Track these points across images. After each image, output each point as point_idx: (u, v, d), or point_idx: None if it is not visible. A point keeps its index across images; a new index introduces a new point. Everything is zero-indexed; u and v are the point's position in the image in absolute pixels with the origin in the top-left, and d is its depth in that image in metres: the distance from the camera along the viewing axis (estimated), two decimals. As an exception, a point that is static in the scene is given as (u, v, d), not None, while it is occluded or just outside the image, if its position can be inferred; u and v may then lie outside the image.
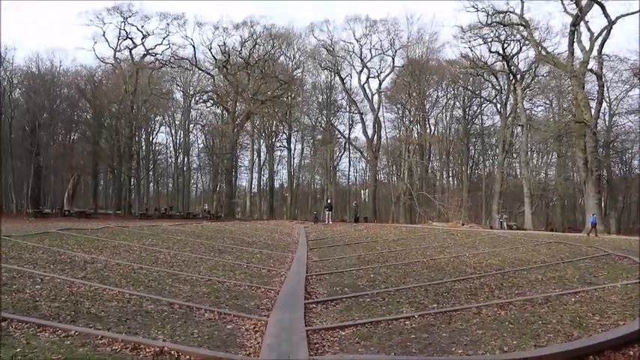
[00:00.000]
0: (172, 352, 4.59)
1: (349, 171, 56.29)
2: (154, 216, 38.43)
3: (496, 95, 45.09)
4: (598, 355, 4.81)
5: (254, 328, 5.73)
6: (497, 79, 43.07)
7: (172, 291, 7.65)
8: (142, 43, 44.33)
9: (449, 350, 4.91)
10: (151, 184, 56.11)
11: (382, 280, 9.02)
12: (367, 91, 48.93)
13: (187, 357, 4.53)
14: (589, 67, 31.93)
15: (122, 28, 43.04)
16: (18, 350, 4.50)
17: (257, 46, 46.63)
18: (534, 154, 46.10)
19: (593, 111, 31.87)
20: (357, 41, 47.55)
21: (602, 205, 36.73)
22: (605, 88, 36.20)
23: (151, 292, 7.36)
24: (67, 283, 7.67)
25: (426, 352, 4.83)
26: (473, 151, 51.46)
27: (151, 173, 53.41)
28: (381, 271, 10.02)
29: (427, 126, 49.50)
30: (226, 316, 6.22)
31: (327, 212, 32.28)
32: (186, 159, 54.80)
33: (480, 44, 39.18)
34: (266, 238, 17.59)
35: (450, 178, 54.47)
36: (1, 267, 8.33)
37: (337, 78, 49.90)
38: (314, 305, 7.00)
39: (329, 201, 37.40)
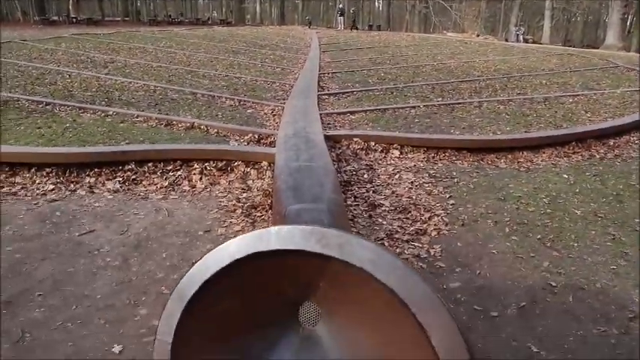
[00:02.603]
0: (202, 127, 5.21)
1: (364, -24, 53.05)
2: (163, 22, 37.54)
3: None
4: (580, 142, 5.36)
5: (272, 112, 6.30)
6: None
7: (193, 84, 8.12)
8: None
9: (447, 131, 5.49)
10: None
11: (392, 78, 9.40)
12: None
13: (215, 130, 5.15)
14: None
15: None
16: (67, 125, 5.11)
17: None
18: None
19: None
20: None
21: (628, 22, 35.09)
22: None
23: (173, 85, 7.84)
24: (93, 77, 8.13)
25: (427, 132, 5.41)
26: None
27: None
28: (391, 72, 10.35)
29: None
30: (245, 103, 6.77)
31: (339, 18, 31.59)
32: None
33: None
34: (278, 42, 17.60)
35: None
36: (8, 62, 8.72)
37: None
38: (326, 96, 7.50)
39: (340, 6, 36.07)
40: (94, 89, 7.15)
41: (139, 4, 44.69)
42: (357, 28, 32.94)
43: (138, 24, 34.28)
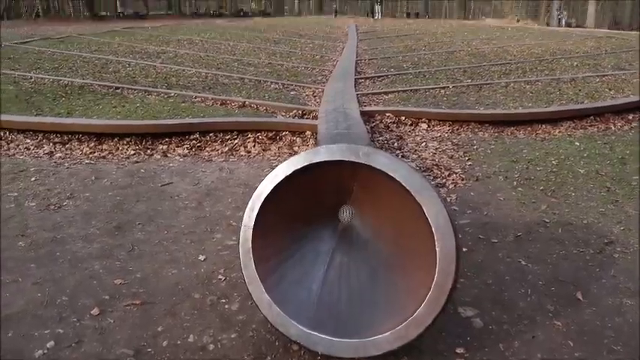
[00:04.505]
0: (252, 105, 5.93)
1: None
2: (205, 15, 38.85)
3: None
4: (599, 116, 5.77)
5: (313, 94, 6.96)
6: None
7: (240, 70, 8.86)
8: None
9: (472, 107, 6.02)
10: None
11: (425, 63, 9.92)
12: None
13: (264, 108, 5.86)
14: None
15: None
16: (138, 105, 5.91)
17: None
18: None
19: None
20: None
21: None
22: None
23: (222, 72, 8.59)
24: (150, 66, 8.96)
25: (453, 108, 5.96)
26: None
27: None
28: (425, 57, 10.85)
29: None
30: (289, 86, 7.46)
31: (376, 6, 31.95)
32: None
33: None
34: (317, 31, 18.23)
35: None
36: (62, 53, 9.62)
37: None
38: (363, 80, 8.11)
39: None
40: (153, 76, 7.96)
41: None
42: (373, 16, 32.33)
43: (181, 17, 35.62)
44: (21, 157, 4.33)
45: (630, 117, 5.89)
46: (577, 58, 10.40)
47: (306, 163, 1.95)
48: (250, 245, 2.01)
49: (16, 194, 3.47)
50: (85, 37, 13.40)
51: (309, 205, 2.13)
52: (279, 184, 2.00)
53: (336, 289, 2.05)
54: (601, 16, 38.00)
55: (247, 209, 2.04)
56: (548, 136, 5.15)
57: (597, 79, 7.88)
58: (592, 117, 5.72)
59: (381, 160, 1.85)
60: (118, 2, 40.16)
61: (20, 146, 4.55)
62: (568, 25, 31.36)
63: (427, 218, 1.77)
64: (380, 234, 2.10)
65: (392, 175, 1.81)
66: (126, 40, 13.23)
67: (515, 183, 3.78)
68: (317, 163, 1.94)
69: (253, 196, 2.04)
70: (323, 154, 1.94)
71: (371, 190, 2.03)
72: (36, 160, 4.24)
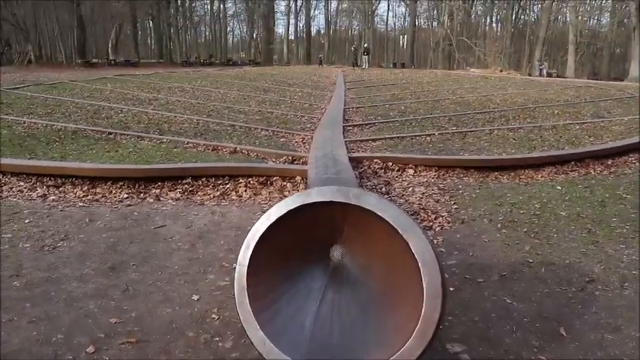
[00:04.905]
0: (243, 151, 6.06)
1: (388, 16, 54.95)
2: (195, 63, 39.57)
3: None
4: (579, 162, 5.98)
5: (302, 140, 7.13)
6: None
7: (231, 117, 9.06)
8: None
9: (457, 154, 6.21)
10: (188, 33, 56.52)
11: (412, 111, 10.21)
12: None
13: (255, 154, 5.99)
14: None
15: None
16: (131, 150, 6.02)
17: None
18: (587, -3, 43.55)
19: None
20: None
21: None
22: None
23: (213, 119, 8.78)
24: (142, 112, 9.13)
25: (439, 154, 6.14)
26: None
27: (187, 22, 53.53)
28: (411, 105, 11.18)
29: (472, -34, 46.78)
30: (279, 133, 7.64)
31: (364, 56, 32.87)
32: (222, 5, 54.34)
33: None
34: (305, 80, 18.69)
35: (494, 25, 52.72)
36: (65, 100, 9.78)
37: None
38: (351, 127, 8.33)
39: (365, 45, 37.46)
40: (145, 122, 8.11)
41: (171, 46, 47.06)
42: (357, 65, 33.08)
43: (172, 65, 36.24)
44: (14, 199, 4.39)
45: (609, 162, 6.09)
46: (558, 107, 10.77)
47: (299, 204, 2.05)
48: (245, 283, 2.08)
49: (10, 235, 3.52)
50: (77, 84, 13.62)
51: (301, 244, 2.22)
52: (272, 224, 2.10)
53: (329, 324, 2.11)
54: (580, 66, 39.41)
55: (242, 248, 2.12)
56: (531, 181, 5.32)
57: (577, 127, 8.17)
58: (573, 162, 5.92)
59: (371, 201, 1.95)
60: (109, 50, 40.96)
61: (14, 189, 4.61)
62: (549, 75, 32.40)
63: (414, 255, 1.87)
64: (369, 272, 2.19)
65: (381, 215, 1.92)
66: (118, 87, 13.47)
67: (499, 225, 3.90)
68: (309, 204, 2.04)
69: (248, 235, 2.12)
70: (315, 195, 2.04)
71: (361, 229, 2.13)
72: (29, 202, 4.30)
